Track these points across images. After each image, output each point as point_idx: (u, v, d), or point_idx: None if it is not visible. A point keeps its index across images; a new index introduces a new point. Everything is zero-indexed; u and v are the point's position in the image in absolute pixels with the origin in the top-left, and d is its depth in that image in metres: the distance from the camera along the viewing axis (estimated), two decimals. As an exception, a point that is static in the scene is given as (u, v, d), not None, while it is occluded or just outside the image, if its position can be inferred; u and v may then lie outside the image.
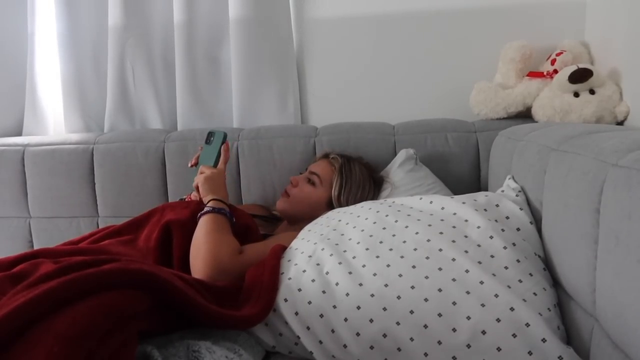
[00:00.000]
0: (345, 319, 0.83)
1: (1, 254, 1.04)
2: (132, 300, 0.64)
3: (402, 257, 0.89)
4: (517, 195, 0.99)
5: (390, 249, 0.91)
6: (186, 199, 1.32)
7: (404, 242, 0.92)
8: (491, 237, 0.89)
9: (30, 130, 1.83)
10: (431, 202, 1.03)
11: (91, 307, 0.57)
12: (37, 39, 1.78)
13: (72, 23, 1.76)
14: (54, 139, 1.67)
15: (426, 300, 0.81)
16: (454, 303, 0.80)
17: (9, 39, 1.81)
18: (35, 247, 1.65)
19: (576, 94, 1.33)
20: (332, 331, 0.83)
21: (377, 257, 0.90)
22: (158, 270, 0.71)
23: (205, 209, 1.09)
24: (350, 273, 0.88)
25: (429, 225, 0.95)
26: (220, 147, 1.24)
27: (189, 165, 1.26)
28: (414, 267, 0.86)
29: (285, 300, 0.88)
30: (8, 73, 1.83)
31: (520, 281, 0.83)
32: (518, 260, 0.86)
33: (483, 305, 0.79)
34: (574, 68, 1.31)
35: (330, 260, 0.93)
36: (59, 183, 1.61)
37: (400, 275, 0.85)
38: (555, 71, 1.39)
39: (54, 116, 1.86)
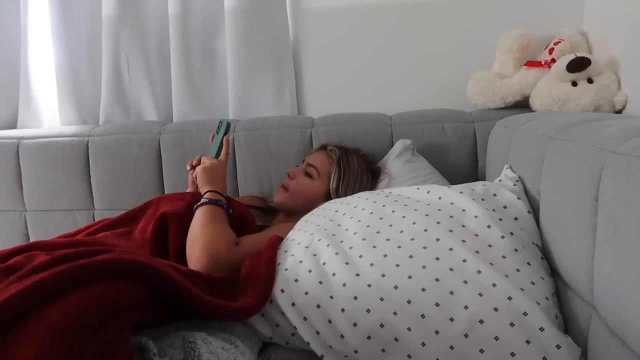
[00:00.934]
0: (342, 310, 0.82)
1: (-4, 247, 1.03)
2: (126, 291, 0.63)
3: (399, 247, 0.88)
4: (514, 185, 0.99)
5: (387, 239, 0.91)
6: None
7: (401, 232, 0.91)
8: (489, 227, 0.89)
9: (24, 123, 1.81)
10: (428, 192, 1.02)
11: (84, 298, 0.57)
12: (30, 31, 1.76)
13: (66, 15, 1.74)
14: (48, 132, 1.66)
15: (423, 290, 0.81)
16: (452, 292, 0.80)
17: (2, 32, 1.79)
18: (31, 240, 1.64)
19: (574, 83, 1.32)
20: (329, 321, 0.83)
21: (374, 247, 0.90)
22: (152, 261, 0.70)
23: (202, 200, 1.09)
24: (347, 263, 0.88)
25: (426, 215, 0.94)
26: (223, 138, 1.23)
27: (188, 168, 1.25)
28: (411, 257, 0.86)
29: (282, 291, 0.87)
30: (2, 66, 1.82)
31: (518, 270, 0.82)
32: (516, 250, 0.85)
33: (481, 294, 0.78)
34: (572, 57, 1.30)
35: (327, 250, 0.92)
36: (54, 176, 1.60)
37: (397, 265, 0.85)
38: (553, 60, 1.38)
39: (48, 109, 1.84)
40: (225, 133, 1.24)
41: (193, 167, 1.23)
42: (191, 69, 1.70)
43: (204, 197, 1.10)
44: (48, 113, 1.84)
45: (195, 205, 1.08)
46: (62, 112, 1.81)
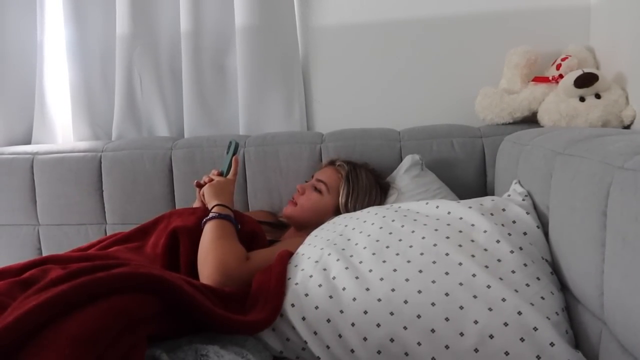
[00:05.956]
0: (353, 324, 0.83)
1: (10, 261, 1.05)
2: (141, 304, 0.64)
3: (408, 261, 0.89)
4: (523, 200, 0.99)
5: (397, 254, 0.91)
6: None
7: (411, 246, 0.92)
8: (498, 242, 0.89)
9: (39, 139, 1.84)
10: (437, 207, 1.03)
11: (102, 310, 0.58)
12: (46, 48, 1.80)
13: (81, 32, 1.78)
14: (62, 147, 1.69)
15: (433, 304, 0.81)
16: (461, 307, 0.80)
17: (18, 48, 1.83)
18: (44, 254, 1.66)
19: (582, 99, 1.32)
20: (340, 336, 0.83)
21: (384, 261, 0.90)
22: (167, 275, 0.71)
23: (210, 214, 1.10)
24: (357, 278, 0.89)
25: (436, 229, 0.95)
26: (232, 158, 1.27)
27: (195, 184, 1.28)
28: (420, 271, 0.86)
29: (293, 305, 0.88)
30: (17, 82, 1.85)
31: (527, 285, 0.83)
32: (525, 264, 0.86)
33: (490, 309, 0.79)
34: (579, 72, 1.31)
35: (336, 265, 0.93)
36: (68, 191, 1.63)
37: (407, 280, 0.85)
38: (561, 76, 1.39)
39: (62, 124, 1.88)
40: (235, 153, 1.28)
41: (199, 185, 1.26)
42: (202, 86, 1.73)
43: (212, 211, 1.12)
44: (62, 129, 1.88)
45: (204, 220, 1.10)
46: (75, 128, 1.84)
